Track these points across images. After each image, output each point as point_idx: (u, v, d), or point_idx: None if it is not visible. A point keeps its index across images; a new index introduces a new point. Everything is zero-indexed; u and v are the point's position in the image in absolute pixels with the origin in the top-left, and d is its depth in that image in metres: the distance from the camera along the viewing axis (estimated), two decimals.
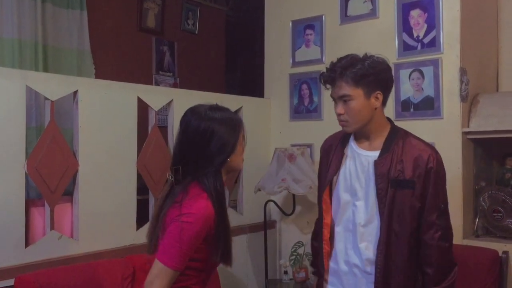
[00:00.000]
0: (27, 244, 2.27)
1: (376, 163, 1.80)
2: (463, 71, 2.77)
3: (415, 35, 2.90)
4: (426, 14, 2.86)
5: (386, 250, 1.78)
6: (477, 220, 2.82)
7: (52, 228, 2.39)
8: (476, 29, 2.93)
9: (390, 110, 2.96)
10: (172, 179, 1.62)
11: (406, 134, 1.87)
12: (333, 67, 1.80)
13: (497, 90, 3.15)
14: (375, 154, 1.83)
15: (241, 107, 3.30)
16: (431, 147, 1.86)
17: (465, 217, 2.76)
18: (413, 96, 2.90)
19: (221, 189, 1.60)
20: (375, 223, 1.81)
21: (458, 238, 2.72)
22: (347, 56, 1.82)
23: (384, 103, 1.84)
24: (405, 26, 2.93)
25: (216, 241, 1.56)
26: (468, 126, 2.78)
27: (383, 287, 1.79)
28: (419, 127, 2.85)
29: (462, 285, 2.55)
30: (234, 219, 3.21)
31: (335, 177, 1.90)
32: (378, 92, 1.79)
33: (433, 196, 1.79)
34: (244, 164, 3.20)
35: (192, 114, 1.64)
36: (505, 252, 2.60)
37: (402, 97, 2.93)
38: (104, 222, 2.52)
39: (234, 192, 3.33)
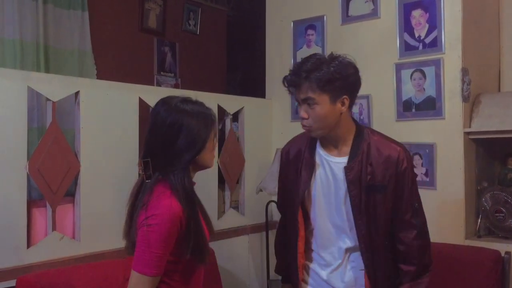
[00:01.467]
0: (28, 245, 2.27)
1: (346, 169, 1.75)
2: (464, 71, 2.76)
3: (416, 35, 2.90)
4: (427, 14, 2.86)
5: (371, 258, 1.77)
6: (479, 220, 2.81)
7: (53, 229, 2.39)
8: (477, 29, 2.92)
9: (391, 110, 2.96)
10: (142, 173, 1.55)
11: (373, 133, 1.82)
12: (297, 70, 1.72)
13: (499, 90, 3.14)
14: (345, 160, 1.77)
15: (243, 107, 3.30)
16: (399, 144, 1.81)
17: (467, 217, 2.75)
18: (414, 96, 2.89)
19: (189, 185, 1.53)
20: (353, 231, 1.77)
21: (460, 239, 2.73)
22: (312, 57, 1.74)
23: (350, 106, 1.77)
24: (407, 26, 2.93)
25: (185, 239, 1.50)
26: (470, 126, 2.78)
27: None
28: (420, 128, 2.85)
29: (464, 285, 2.55)
30: (235, 219, 3.24)
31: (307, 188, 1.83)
32: (345, 96, 1.72)
33: (408, 196, 1.76)
34: (246, 164, 3.28)
35: (162, 104, 1.57)
36: (508, 253, 2.59)
37: (404, 97, 2.92)
38: (106, 222, 2.52)
39: (235, 193, 3.33)
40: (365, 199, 1.74)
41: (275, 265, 2.13)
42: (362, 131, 1.81)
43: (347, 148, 1.78)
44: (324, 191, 1.81)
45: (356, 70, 1.75)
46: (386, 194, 1.74)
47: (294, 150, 1.91)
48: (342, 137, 1.79)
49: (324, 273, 1.86)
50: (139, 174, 2.64)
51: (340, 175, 1.77)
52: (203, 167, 1.63)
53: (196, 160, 1.56)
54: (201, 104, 1.61)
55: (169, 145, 1.53)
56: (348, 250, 1.81)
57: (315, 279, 1.89)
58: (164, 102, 1.59)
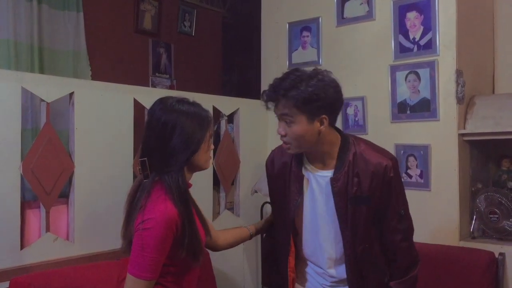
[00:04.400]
0: (22, 246, 2.26)
1: (332, 180, 1.73)
2: (459, 73, 2.77)
3: (411, 37, 2.91)
4: (422, 16, 2.87)
5: (358, 270, 1.76)
6: (473, 221, 2.82)
7: (47, 230, 2.38)
8: (472, 31, 2.94)
9: (386, 112, 2.97)
10: (140, 172, 1.56)
11: (358, 143, 1.78)
12: (275, 87, 1.67)
13: (493, 92, 3.16)
14: (331, 173, 1.74)
15: (238, 108, 3.30)
16: (385, 153, 1.78)
17: (461, 218, 2.76)
18: (409, 98, 2.90)
19: (183, 186, 1.53)
20: (340, 245, 1.77)
21: (454, 240, 2.74)
22: (293, 73, 1.68)
23: (332, 123, 1.73)
24: (402, 28, 2.94)
25: (181, 241, 1.50)
26: (464, 128, 2.79)
27: None
28: (415, 129, 2.86)
29: (458, 286, 2.56)
30: (230, 221, 3.23)
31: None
32: (323, 116, 1.66)
33: (394, 204, 1.76)
34: (241, 166, 3.27)
35: (158, 104, 1.58)
36: (502, 254, 2.60)
37: (399, 99, 2.93)
38: (100, 224, 2.51)
39: (230, 194, 3.32)
40: (352, 211, 1.72)
41: (261, 277, 2.11)
42: (347, 141, 1.77)
43: (332, 161, 1.75)
44: (312, 205, 1.79)
45: (336, 89, 1.69)
46: (371, 204, 1.73)
47: (279, 161, 1.88)
48: (327, 151, 1.75)
49: (320, 279, 1.86)
50: (134, 174, 2.66)
51: (327, 188, 1.75)
52: (198, 168, 1.62)
53: (191, 161, 1.56)
54: (197, 105, 1.61)
55: (163, 144, 1.53)
56: (336, 262, 1.81)
57: (312, 282, 1.89)
58: (160, 101, 1.59)
